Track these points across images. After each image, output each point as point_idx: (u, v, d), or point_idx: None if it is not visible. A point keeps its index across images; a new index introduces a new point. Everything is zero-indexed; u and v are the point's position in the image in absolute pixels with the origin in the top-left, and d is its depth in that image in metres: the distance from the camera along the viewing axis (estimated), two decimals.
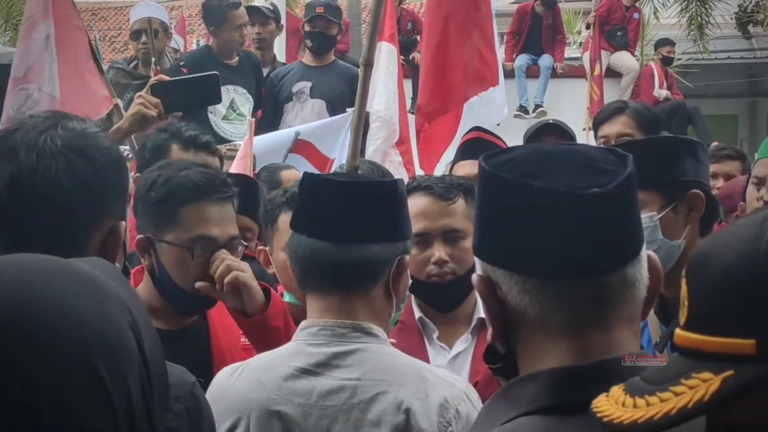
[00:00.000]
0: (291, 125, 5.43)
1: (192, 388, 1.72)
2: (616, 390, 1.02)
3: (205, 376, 2.20)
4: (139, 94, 3.28)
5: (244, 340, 2.38)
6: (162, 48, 5.86)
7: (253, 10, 6.20)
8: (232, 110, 5.50)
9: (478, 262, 1.26)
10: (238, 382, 1.92)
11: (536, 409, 1.16)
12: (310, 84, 5.68)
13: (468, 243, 2.42)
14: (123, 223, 1.51)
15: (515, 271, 1.19)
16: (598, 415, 0.99)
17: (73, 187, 1.44)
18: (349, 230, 1.84)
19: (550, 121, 4.25)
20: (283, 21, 7.18)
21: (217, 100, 3.50)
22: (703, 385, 0.92)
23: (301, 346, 1.88)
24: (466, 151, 3.49)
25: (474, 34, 3.97)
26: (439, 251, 2.39)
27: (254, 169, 4.08)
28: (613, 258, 1.18)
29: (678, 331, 0.99)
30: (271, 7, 6.49)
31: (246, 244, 2.44)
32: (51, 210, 1.42)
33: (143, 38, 5.70)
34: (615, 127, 3.68)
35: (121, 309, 1.02)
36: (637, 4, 11.58)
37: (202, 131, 3.10)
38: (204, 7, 5.83)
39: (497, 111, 5.39)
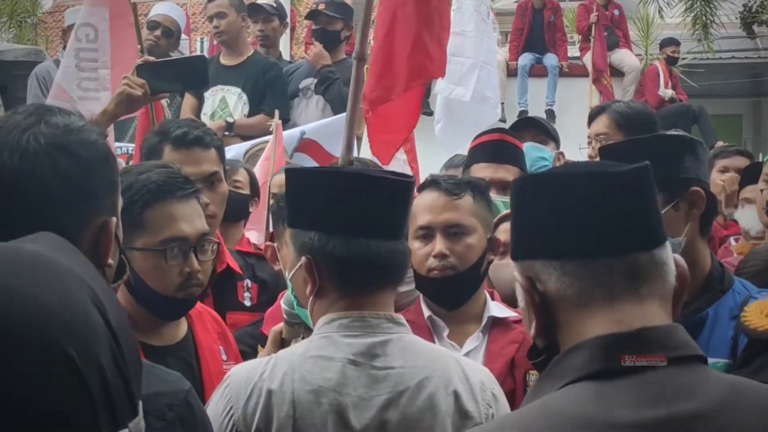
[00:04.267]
0: (296, 122, 5.44)
1: (186, 395, 1.69)
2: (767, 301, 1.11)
3: (197, 392, 2.18)
4: (124, 75, 3.26)
5: (226, 367, 2.31)
6: (166, 50, 5.86)
7: (254, 8, 6.17)
8: (219, 109, 5.49)
9: (516, 265, 1.37)
10: (274, 375, 1.85)
11: (583, 375, 1.24)
12: (316, 81, 5.67)
13: (472, 239, 2.43)
14: (114, 218, 1.46)
15: (554, 258, 1.30)
16: (743, 320, 1.08)
17: (59, 188, 1.39)
18: (389, 227, 1.89)
19: (530, 116, 4.23)
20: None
21: (204, 83, 3.48)
22: None
23: (335, 337, 1.86)
24: (486, 153, 3.43)
25: (420, 26, 3.97)
26: (440, 245, 2.41)
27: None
28: (642, 237, 1.30)
29: None
30: (275, 4, 6.45)
31: (217, 241, 2.36)
32: (38, 211, 1.38)
33: (157, 32, 5.74)
34: (596, 126, 3.72)
35: (81, 285, 0.99)
36: (641, 4, 11.55)
37: (192, 126, 3.00)
38: None
39: (491, 112, 5.40)
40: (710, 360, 2.09)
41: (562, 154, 4.23)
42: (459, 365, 1.89)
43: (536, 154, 4.03)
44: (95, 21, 4.07)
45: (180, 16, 6.29)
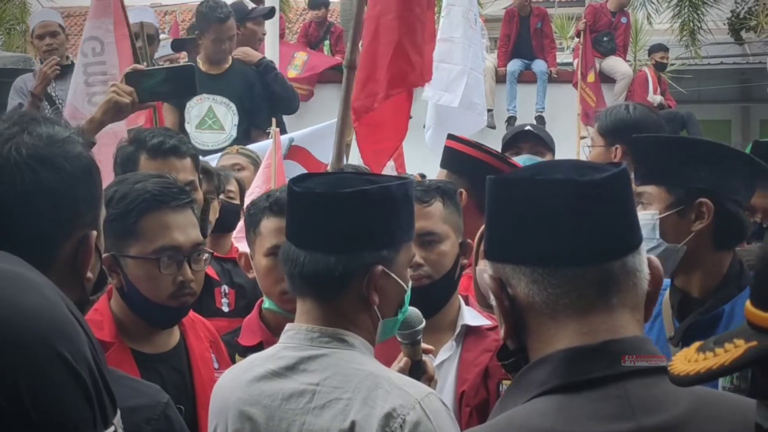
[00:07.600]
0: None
1: (165, 408, 1.68)
2: (691, 349, 1.08)
3: (188, 400, 2.19)
4: (113, 83, 3.25)
5: (217, 375, 2.32)
6: (151, 55, 5.86)
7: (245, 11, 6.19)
8: (208, 119, 5.48)
9: (489, 264, 1.35)
10: (223, 383, 1.95)
11: (548, 389, 1.23)
12: None
13: (445, 246, 2.40)
14: (94, 232, 1.44)
15: (523, 264, 1.28)
16: (669, 370, 1.06)
17: (39, 200, 1.37)
18: (309, 238, 1.84)
19: (527, 128, 4.22)
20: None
21: (193, 92, 3.47)
22: (734, 350, 1.00)
23: (279, 348, 1.90)
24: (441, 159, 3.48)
25: (402, 35, 3.96)
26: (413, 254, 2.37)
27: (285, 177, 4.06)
28: (614, 245, 1.26)
29: (747, 303, 1.05)
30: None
31: (211, 251, 2.40)
32: (16, 222, 1.35)
33: (138, 42, 5.72)
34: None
35: (55, 292, 1.02)
36: (629, 10, 11.58)
37: (168, 135, 2.98)
38: (196, 11, 5.87)
39: (477, 119, 5.39)
40: None
41: None
42: (375, 389, 1.78)
43: None
44: (100, 33, 4.03)
45: (150, 16, 6.30)
